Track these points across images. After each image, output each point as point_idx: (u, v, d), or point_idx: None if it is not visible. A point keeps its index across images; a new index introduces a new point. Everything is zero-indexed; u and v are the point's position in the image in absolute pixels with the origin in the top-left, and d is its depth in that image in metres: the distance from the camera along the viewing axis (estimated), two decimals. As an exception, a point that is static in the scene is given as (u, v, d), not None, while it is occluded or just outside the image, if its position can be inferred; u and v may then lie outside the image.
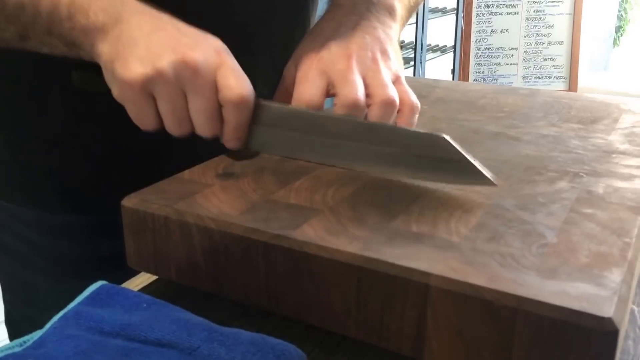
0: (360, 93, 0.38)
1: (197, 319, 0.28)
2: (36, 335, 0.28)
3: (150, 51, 0.34)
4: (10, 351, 0.27)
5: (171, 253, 0.33)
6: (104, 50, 0.36)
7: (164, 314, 0.28)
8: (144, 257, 0.34)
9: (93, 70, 0.38)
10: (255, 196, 0.33)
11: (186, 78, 0.34)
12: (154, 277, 0.36)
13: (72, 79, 0.41)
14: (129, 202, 0.33)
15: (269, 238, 0.29)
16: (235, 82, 0.35)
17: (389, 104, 0.39)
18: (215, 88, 0.35)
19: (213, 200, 0.33)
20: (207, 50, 0.35)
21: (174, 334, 0.27)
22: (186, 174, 0.37)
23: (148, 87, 0.35)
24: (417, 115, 0.41)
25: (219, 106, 0.36)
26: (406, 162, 0.35)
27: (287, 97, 0.42)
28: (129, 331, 0.27)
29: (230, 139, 0.37)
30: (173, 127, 0.37)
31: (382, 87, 0.39)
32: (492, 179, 0.33)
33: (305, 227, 0.30)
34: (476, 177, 0.34)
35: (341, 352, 0.30)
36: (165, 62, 0.34)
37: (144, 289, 0.35)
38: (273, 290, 0.30)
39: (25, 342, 0.28)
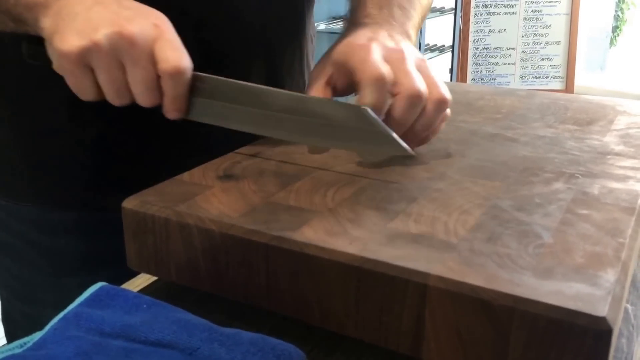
0: (382, 69, 0.37)
1: (197, 320, 0.28)
2: (36, 336, 0.28)
3: (88, 24, 0.35)
4: (10, 352, 0.27)
5: (171, 254, 0.33)
6: (46, 25, 0.37)
7: (164, 315, 0.28)
8: (144, 258, 0.34)
9: (42, 43, 0.39)
10: (256, 198, 0.34)
11: (123, 49, 0.35)
12: (154, 278, 0.36)
13: (22, 51, 0.42)
14: (130, 203, 0.34)
15: (269, 240, 0.30)
16: (172, 54, 0.36)
17: (416, 96, 0.37)
18: (152, 59, 0.36)
19: (213, 202, 0.33)
20: (145, 23, 0.36)
21: (174, 334, 0.27)
22: (186, 175, 0.37)
23: (85, 59, 0.36)
24: (447, 110, 0.39)
25: (158, 77, 0.37)
26: (331, 133, 0.37)
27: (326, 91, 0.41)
28: (130, 332, 0.27)
29: (169, 110, 0.38)
30: (112, 97, 0.38)
31: (408, 77, 0.37)
32: (408, 149, 0.37)
33: (305, 228, 0.30)
34: (394, 146, 0.37)
35: (340, 352, 0.30)
36: (101, 34, 0.35)
37: (144, 290, 0.35)
38: (273, 291, 0.30)
39: (25, 343, 0.28)
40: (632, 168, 0.39)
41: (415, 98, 0.37)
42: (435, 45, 2.25)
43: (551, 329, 0.24)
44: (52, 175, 0.50)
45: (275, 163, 0.39)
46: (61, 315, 0.29)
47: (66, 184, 0.50)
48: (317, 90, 0.41)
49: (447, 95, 0.39)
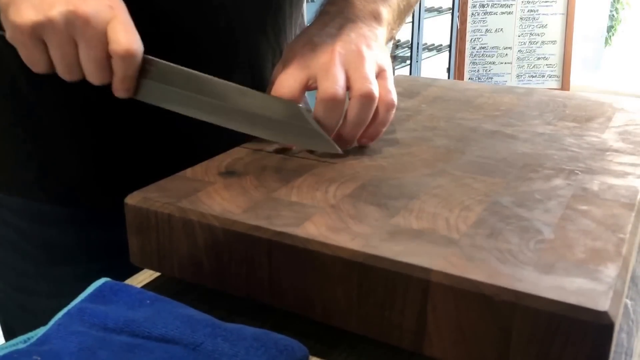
0: (339, 86, 0.39)
1: (201, 315, 0.28)
2: (40, 331, 0.28)
3: (44, 0, 0.36)
4: (14, 348, 0.27)
5: (174, 250, 0.33)
6: None
7: (168, 310, 0.29)
8: (147, 254, 0.34)
9: None
10: (258, 194, 0.34)
11: (76, 28, 0.36)
12: (157, 274, 0.36)
13: None
14: (132, 200, 0.34)
15: (272, 235, 0.30)
16: (124, 36, 0.37)
17: (366, 96, 0.39)
18: (105, 40, 0.37)
19: (216, 198, 0.33)
20: (100, 3, 0.37)
21: (177, 330, 0.27)
22: (189, 172, 0.37)
23: (38, 33, 0.37)
24: (392, 113, 0.41)
25: (109, 57, 0.38)
26: (266, 125, 0.40)
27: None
28: (133, 327, 0.27)
29: (118, 89, 0.39)
30: (63, 72, 0.38)
31: (362, 80, 0.39)
32: (335, 146, 0.39)
33: (308, 224, 0.30)
34: (323, 143, 0.39)
35: (342, 347, 0.30)
36: (56, 11, 0.36)
37: (147, 286, 0.36)
38: (276, 287, 0.30)
39: (29, 338, 0.28)
40: (631, 164, 0.39)
41: (367, 99, 0.39)
42: (433, 44, 2.26)
43: (553, 323, 0.24)
44: (44, 172, 0.50)
45: (276, 159, 0.39)
46: (65, 310, 0.29)
47: (58, 180, 0.50)
48: (291, 89, 0.41)
49: (395, 101, 0.41)
